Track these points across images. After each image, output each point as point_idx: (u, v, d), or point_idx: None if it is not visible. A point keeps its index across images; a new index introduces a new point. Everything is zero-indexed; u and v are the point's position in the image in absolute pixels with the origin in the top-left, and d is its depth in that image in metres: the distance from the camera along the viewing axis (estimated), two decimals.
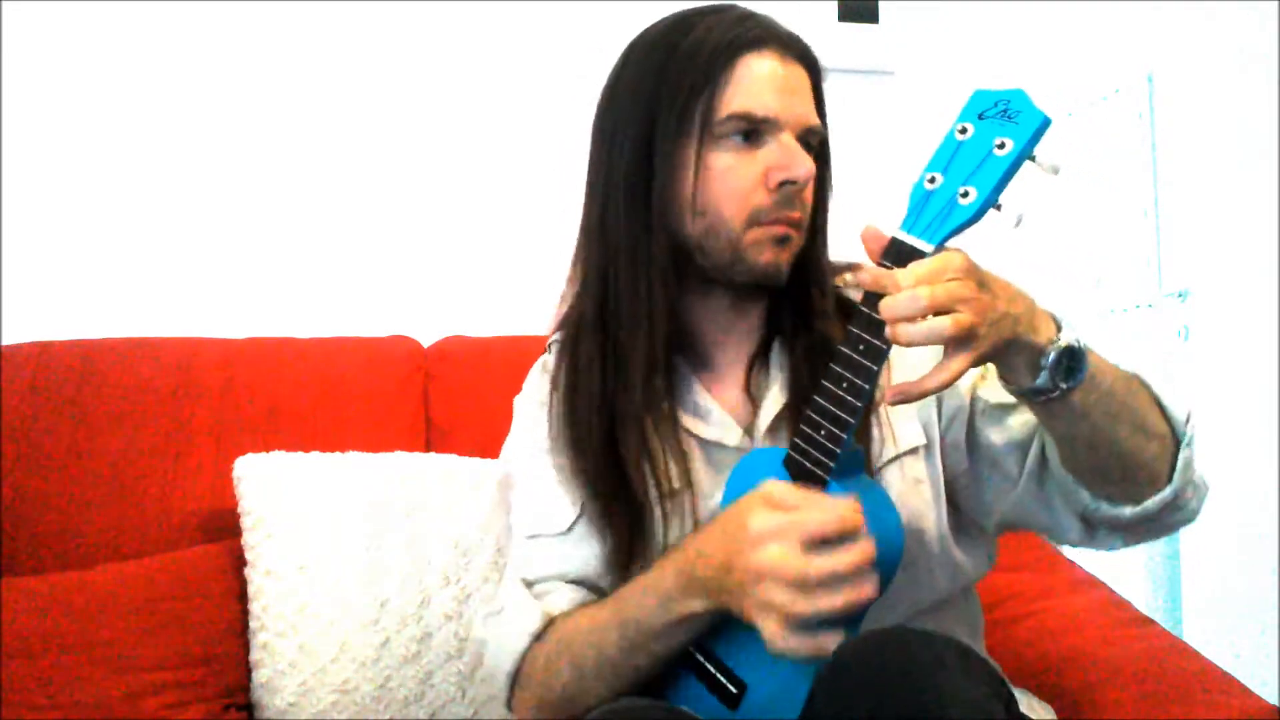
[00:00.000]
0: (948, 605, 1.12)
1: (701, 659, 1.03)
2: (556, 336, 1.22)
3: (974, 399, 1.09)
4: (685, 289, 1.13)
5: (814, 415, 0.95)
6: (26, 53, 1.85)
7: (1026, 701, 1.17)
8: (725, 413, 1.13)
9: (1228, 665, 1.38)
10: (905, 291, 0.85)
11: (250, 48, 1.94)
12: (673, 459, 1.10)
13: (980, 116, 0.90)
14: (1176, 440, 1.02)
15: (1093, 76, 2.28)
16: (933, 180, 0.91)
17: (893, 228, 0.92)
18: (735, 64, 1.07)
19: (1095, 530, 1.07)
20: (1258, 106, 2.06)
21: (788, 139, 1.07)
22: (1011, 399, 1.05)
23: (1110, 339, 2.39)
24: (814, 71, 1.11)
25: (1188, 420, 1.02)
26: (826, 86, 1.12)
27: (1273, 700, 1.32)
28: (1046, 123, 0.88)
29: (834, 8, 2.09)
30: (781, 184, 1.06)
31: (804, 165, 1.06)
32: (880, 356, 0.90)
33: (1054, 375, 0.91)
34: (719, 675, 1.01)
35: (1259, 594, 2.12)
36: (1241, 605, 2.16)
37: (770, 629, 0.89)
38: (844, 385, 0.93)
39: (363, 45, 1.99)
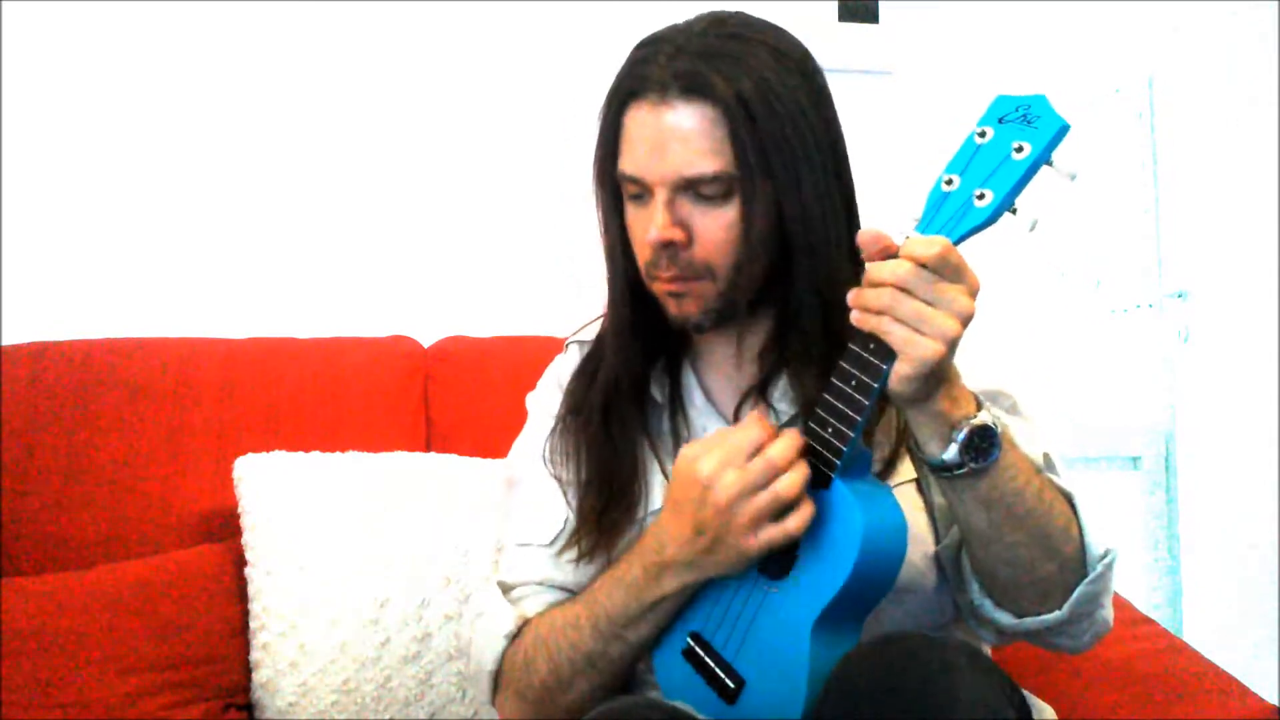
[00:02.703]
0: (955, 623, 1.13)
1: (701, 653, 1.03)
2: (575, 337, 1.23)
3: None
4: None
5: (822, 413, 0.96)
6: (26, 53, 1.85)
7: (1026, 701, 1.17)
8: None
9: (1228, 665, 1.38)
10: (877, 290, 0.89)
11: (250, 48, 1.94)
12: (668, 475, 1.11)
13: (1000, 121, 0.90)
14: (1085, 573, 1.01)
15: (1093, 76, 2.28)
16: (950, 182, 0.91)
17: (909, 229, 0.92)
18: (623, 118, 1.05)
19: (980, 619, 1.08)
20: (1258, 106, 2.06)
21: (660, 195, 1.03)
22: None
23: (1110, 339, 2.39)
24: (720, 105, 1.01)
25: (1104, 557, 1.02)
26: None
27: (1273, 700, 1.32)
28: (1065, 128, 0.88)
29: (834, 8, 2.09)
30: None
31: (654, 229, 1.03)
32: (889, 355, 0.90)
33: (964, 451, 0.92)
34: (718, 670, 1.02)
35: (1259, 594, 2.12)
36: (1241, 605, 2.16)
37: (764, 535, 0.95)
38: (852, 383, 0.93)
39: (362, 45, 1.99)
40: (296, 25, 1.96)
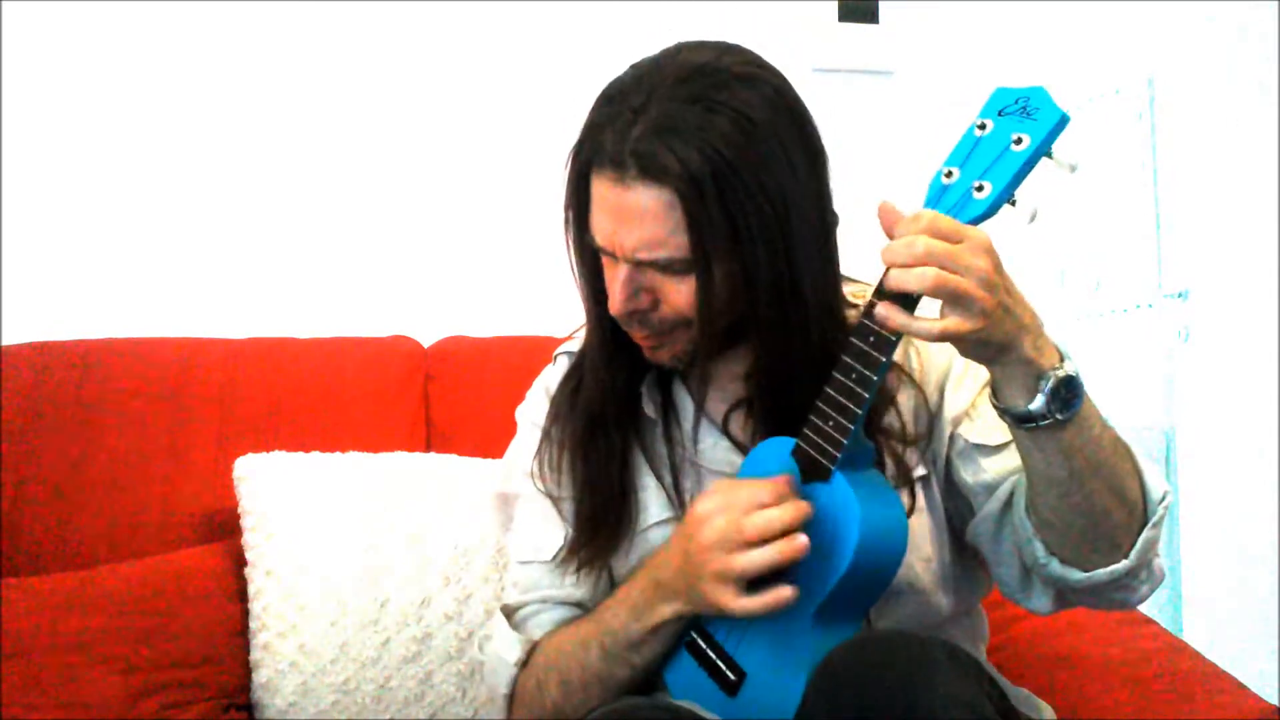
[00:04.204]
0: (951, 622, 1.13)
1: (704, 645, 1.04)
2: (563, 348, 1.23)
3: (954, 435, 1.09)
4: None
5: (823, 406, 0.96)
6: (26, 53, 1.85)
7: (1027, 702, 1.17)
8: (727, 441, 1.13)
9: (1228, 665, 1.38)
10: (905, 238, 0.87)
11: (251, 48, 1.94)
12: (666, 488, 1.13)
13: (1000, 113, 0.91)
14: (1145, 519, 1.02)
15: (1093, 76, 2.28)
16: (950, 175, 0.91)
17: None
18: (590, 181, 1.03)
19: (1033, 586, 1.07)
20: (1258, 106, 2.06)
21: (623, 269, 1.02)
22: (990, 441, 1.07)
23: (1110, 339, 2.39)
24: (673, 188, 0.97)
25: (1162, 500, 1.02)
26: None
27: (1273, 700, 1.32)
28: (1065, 120, 0.89)
29: (834, 8, 2.08)
30: None
31: (617, 301, 1.03)
32: (888, 347, 0.91)
33: (1051, 401, 0.92)
34: (720, 662, 1.02)
35: (1259, 594, 2.12)
36: (1241, 605, 2.16)
37: (725, 596, 0.96)
38: (853, 376, 0.94)
39: (363, 45, 1.99)
40: (296, 25, 1.96)
